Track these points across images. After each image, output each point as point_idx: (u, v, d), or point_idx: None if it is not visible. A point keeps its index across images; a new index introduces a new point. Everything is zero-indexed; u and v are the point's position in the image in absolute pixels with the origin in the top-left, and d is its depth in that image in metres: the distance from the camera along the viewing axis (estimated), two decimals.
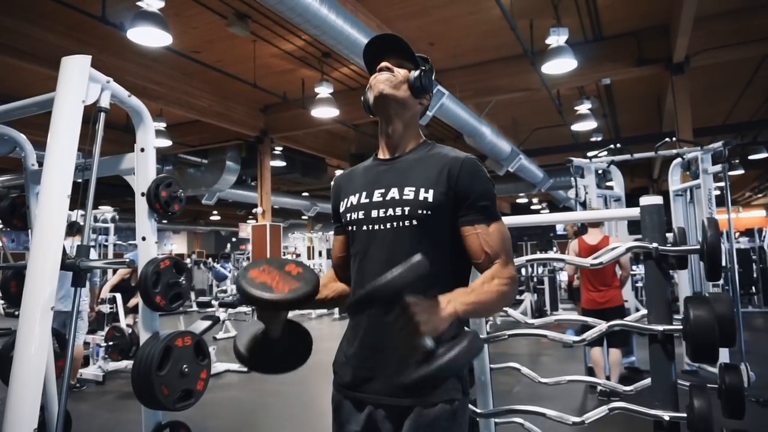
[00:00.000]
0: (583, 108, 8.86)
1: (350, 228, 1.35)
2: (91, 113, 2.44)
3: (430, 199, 1.24)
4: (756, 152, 11.47)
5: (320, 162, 14.02)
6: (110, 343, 5.51)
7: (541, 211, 23.30)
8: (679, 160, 5.06)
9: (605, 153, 5.57)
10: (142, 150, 2.79)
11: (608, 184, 5.92)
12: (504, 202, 21.81)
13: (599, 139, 11.49)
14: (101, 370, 5.55)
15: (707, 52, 6.82)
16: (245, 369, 5.89)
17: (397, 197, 1.27)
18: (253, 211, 11.24)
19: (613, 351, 4.41)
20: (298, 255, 13.42)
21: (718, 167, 4.62)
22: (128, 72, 7.03)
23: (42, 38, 5.96)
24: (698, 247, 1.53)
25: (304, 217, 23.75)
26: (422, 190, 1.25)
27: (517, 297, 11.91)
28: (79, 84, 2.27)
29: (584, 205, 5.19)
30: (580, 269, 4.64)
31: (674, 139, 5.91)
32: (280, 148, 11.90)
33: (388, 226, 1.27)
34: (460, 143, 9.86)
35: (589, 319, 1.84)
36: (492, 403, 2.00)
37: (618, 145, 5.62)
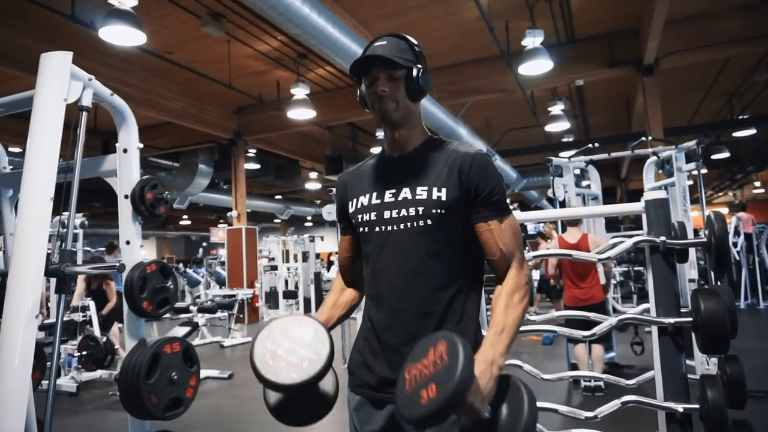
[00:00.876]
0: (557, 109, 9.02)
1: (362, 229, 1.33)
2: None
3: (444, 198, 1.24)
4: (718, 152, 11.87)
5: (294, 164, 13.89)
6: (84, 352, 5.32)
7: (513, 211, 23.62)
8: (653, 158, 5.18)
9: (581, 153, 5.67)
10: (125, 151, 2.72)
11: (585, 183, 6.03)
12: None
13: (571, 139, 11.71)
14: (74, 380, 5.34)
15: (675, 54, 7.02)
16: (225, 376, 5.78)
17: (410, 197, 1.26)
18: (227, 214, 11.04)
19: (595, 347, 4.47)
20: (272, 258, 13.25)
21: (692, 165, 4.74)
22: (97, 73, 6.66)
23: (5, 37, 5.73)
24: (705, 239, 1.56)
25: (277, 221, 23.52)
26: (435, 189, 1.25)
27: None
28: (60, 82, 2.18)
29: (563, 204, 5.26)
30: (562, 267, 4.70)
31: (649, 138, 6.05)
32: (254, 151, 11.73)
33: (402, 226, 1.25)
34: None
35: (591, 315, 1.85)
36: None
37: (596, 145, 5.72)
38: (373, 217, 1.29)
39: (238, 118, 10.05)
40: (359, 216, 1.33)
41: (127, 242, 2.69)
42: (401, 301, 1.25)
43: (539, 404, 1.66)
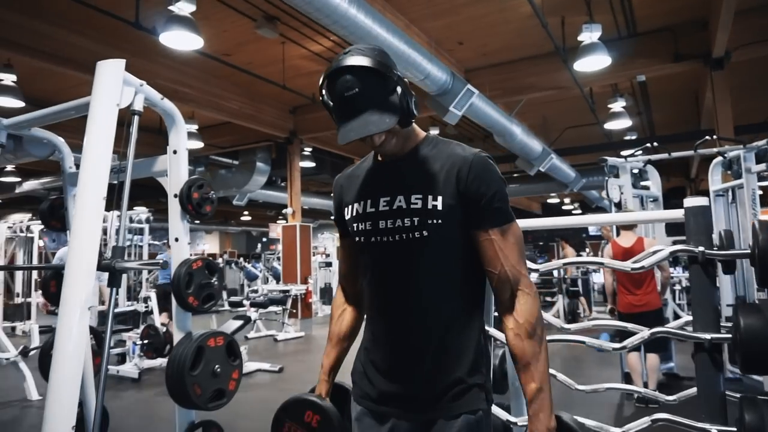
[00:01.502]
0: (617, 106, 8.65)
1: (357, 239, 1.27)
2: (125, 116, 2.47)
3: (440, 207, 1.15)
4: None
5: (350, 162, 14.06)
6: (145, 341, 5.63)
7: (573, 212, 22.90)
8: (720, 159, 4.87)
9: (641, 152, 5.41)
10: (175, 152, 2.82)
11: (644, 184, 5.75)
12: (535, 202, 21.51)
13: (633, 137, 11.20)
14: (137, 367, 5.67)
15: (748, 46, 6.57)
16: (276, 369, 5.95)
17: (405, 206, 1.18)
18: (283, 211, 11.33)
19: (650, 356, 4.27)
20: (328, 255, 13.46)
21: (763, 166, 4.43)
22: (160, 75, 7.17)
23: (76, 43, 6.13)
24: (749, 251, 1.45)
25: (333, 218, 23.81)
26: (430, 197, 1.17)
27: (549, 299, 11.70)
28: (113, 88, 2.30)
29: (619, 206, 5.05)
30: (616, 273, 4.52)
31: (714, 137, 5.70)
32: (310, 149, 11.97)
33: (398, 237, 1.19)
34: (489, 143, 9.75)
35: (629, 325, 1.77)
36: (527, 411, 1.94)
37: (655, 144, 5.45)
38: (368, 227, 1.23)
39: (294, 117, 10.29)
40: (354, 225, 1.27)
41: (176, 239, 2.81)
42: (400, 315, 1.21)
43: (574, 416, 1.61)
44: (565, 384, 1.90)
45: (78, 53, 6.23)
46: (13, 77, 6.55)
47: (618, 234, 4.64)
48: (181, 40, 4.89)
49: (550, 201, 21.84)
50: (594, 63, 5.99)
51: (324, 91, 1.17)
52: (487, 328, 1.76)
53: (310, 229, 10.76)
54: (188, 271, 2.64)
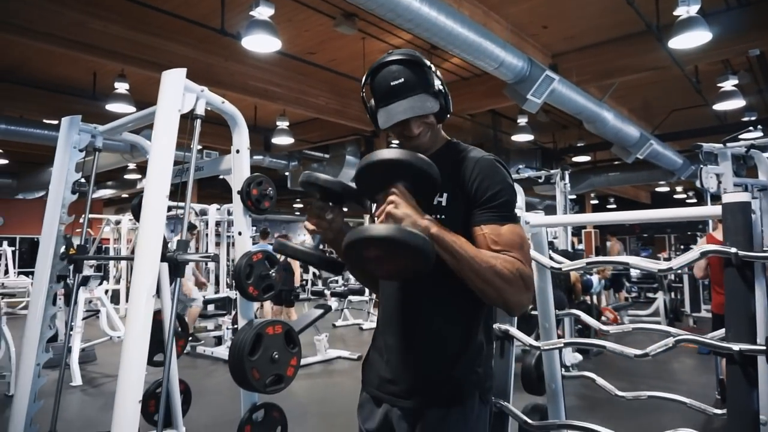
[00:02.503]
0: (728, 85, 7.80)
1: None
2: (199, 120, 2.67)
3: (444, 203, 1.22)
4: None
5: None
6: (235, 326, 6.08)
7: (686, 201, 21.11)
8: None
9: (755, 132, 4.86)
10: (238, 151, 3.02)
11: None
12: (642, 191, 20.05)
13: (753, 118, 10.04)
14: (227, 350, 6.14)
15: None
16: (354, 357, 6.14)
17: None
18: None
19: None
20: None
21: None
22: (251, 76, 7.61)
23: (176, 51, 6.69)
24: None
25: None
26: (437, 194, 1.24)
27: (651, 295, 10.91)
28: (175, 95, 2.51)
29: (714, 198, 4.60)
30: (709, 269, 4.15)
31: None
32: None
33: None
34: (584, 129, 9.26)
35: (670, 329, 1.62)
36: (564, 415, 1.87)
37: (758, 127, 4.87)
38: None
39: None
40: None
41: (239, 233, 3.01)
42: (400, 306, 1.27)
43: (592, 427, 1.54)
44: (605, 389, 1.80)
45: (178, 61, 6.79)
46: (126, 86, 7.30)
47: (715, 228, 4.25)
48: (261, 43, 5.16)
49: (659, 190, 20.22)
50: (692, 39, 5.46)
51: (366, 86, 1.28)
52: (508, 327, 1.72)
53: None
54: (249, 262, 2.81)
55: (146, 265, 2.36)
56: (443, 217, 1.22)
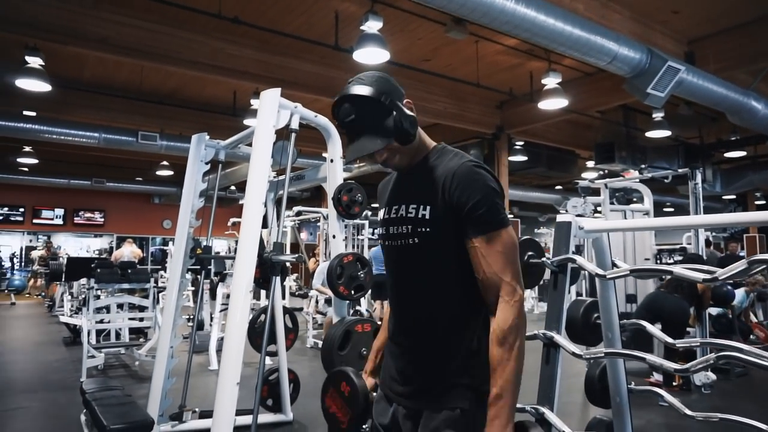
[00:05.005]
0: None
1: (380, 242, 1.42)
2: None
3: (428, 216, 1.25)
4: None
5: (569, 154, 13.36)
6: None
7: None
8: None
9: None
10: (332, 161, 3.27)
11: None
12: None
13: None
14: None
15: None
16: None
17: (404, 214, 1.30)
18: None
19: None
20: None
21: None
22: None
23: (301, 68, 7.27)
24: None
25: (565, 211, 22.77)
26: (421, 207, 1.27)
27: None
28: (271, 112, 2.81)
29: None
30: None
31: None
32: (521, 143, 11.78)
33: (400, 242, 1.31)
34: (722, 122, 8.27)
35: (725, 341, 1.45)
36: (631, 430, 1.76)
37: None
38: (383, 232, 1.38)
39: (501, 112, 10.27)
40: (379, 229, 1.42)
41: (333, 236, 3.25)
42: (402, 312, 1.34)
43: None
44: (674, 407, 1.66)
45: (303, 77, 7.38)
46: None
47: None
48: (370, 56, 5.43)
49: None
50: None
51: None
52: (553, 334, 1.67)
53: (518, 224, 10.61)
54: (340, 263, 3.02)
55: (245, 264, 2.67)
56: (428, 230, 1.25)
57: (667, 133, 9.05)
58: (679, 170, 5.74)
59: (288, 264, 4.46)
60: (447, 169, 1.25)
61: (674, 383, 4.82)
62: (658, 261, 6.26)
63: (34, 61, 6.25)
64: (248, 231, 2.70)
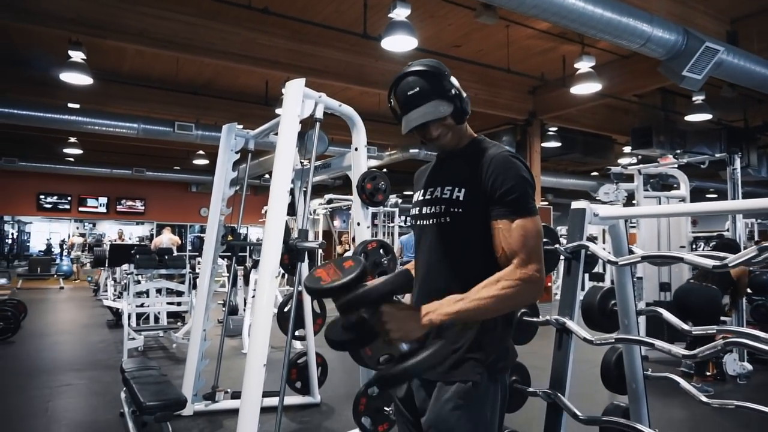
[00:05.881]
0: None
1: (411, 222, 1.50)
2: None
3: (462, 198, 1.32)
4: None
5: (604, 140, 13.04)
6: None
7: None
8: None
9: None
10: (356, 149, 3.32)
11: None
12: None
13: None
14: None
15: None
16: None
17: (438, 195, 1.39)
18: None
19: None
20: (590, 238, 12.82)
21: None
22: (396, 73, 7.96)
23: (331, 57, 7.31)
24: None
25: (599, 198, 22.28)
26: (456, 188, 1.34)
27: None
28: (295, 103, 2.87)
29: None
30: None
31: None
32: (555, 129, 11.56)
33: (432, 221, 1.39)
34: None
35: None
36: (648, 418, 1.76)
37: None
38: (416, 212, 1.46)
39: (533, 98, 10.10)
40: (411, 210, 1.50)
41: (358, 223, 3.31)
42: (425, 289, 1.39)
43: None
44: (691, 394, 1.66)
45: (334, 65, 7.43)
46: None
47: None
48: (398, 43, 5.43)
49: None
50: None
51: (392, 97, 1.41)
52: (565, 320, 1.68)
53: (550, 211, 10.47)
54: (364, 250, 3.08)
55: (271, 250, 2.76)
56: (460, 210, 1.32)
57: (708, 116, 8.74)
58: (717, 155, 5.55)
59: (320, 251, 4.57)
60: (485, 156, 1.33)
61: (708, 373, 4.72)
62: (694, 248, 6.09)
63: (77, 56, 6.51)
64: (273, 218, 2.78)
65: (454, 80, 1.38)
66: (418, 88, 1.32)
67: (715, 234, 7.32)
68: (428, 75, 1.33)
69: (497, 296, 1.20)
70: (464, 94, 1.37)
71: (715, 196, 18.10)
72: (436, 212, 1.37)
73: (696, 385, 4.30)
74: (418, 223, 1.44)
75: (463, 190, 1.33)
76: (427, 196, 1.43)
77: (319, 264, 1.44)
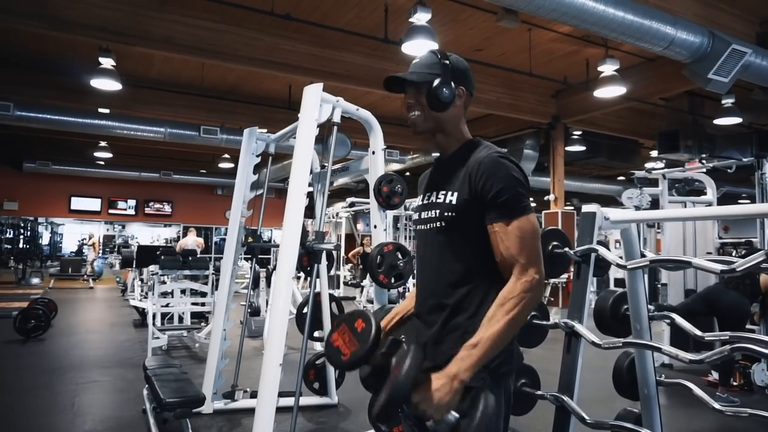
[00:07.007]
0: None
1: (413, 227, 1.54)
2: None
3: (454, 202, 1.33)
4: None
5: (630, 144, 12.82)
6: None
7: None
8: None
9: None
10: (373, 153, 3.35)
11: None
12: None
13: None
14: None
15: None
16: None
17: (434, 200, 1.40)
18: (545, 198, 11.11)
19: None
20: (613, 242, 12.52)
21: None
22: None
23: (353, 61, 7.38)
24: None
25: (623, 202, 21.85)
26: (449, 193, 1.35)
27: None
28: (313, 107, 2.92)
29: None
30: None
31: None
32: (579, 132, 11.41)
33: (429, 226, 1.40)
34: None
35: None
36: (660, 425, 1.74)
37: None
38: (416, 217, 1.48)
39: (556, 101, 10.00)
40: (414, 215, 1.53)
41: (375, 226, 3.34)
42: (425, 291, 1.41)
43: None
44: (703, 401, 1.63)
45: (356, 70, 7.50)
46: None
47: None
48: (418, 48, 5.45)
49: None
50: None
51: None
52: (574, 324, 1.67)
53: (573, 216, 10.32)
54: (380, 252, 3.11)
55: (287, 252, 2.80)
56: (453, 214, 1.33)
57: (738, 120, 8.54)
58: (744, 159, 5.41)
59: (343, 255, 4.59)
60: (475, 159, 1.33)
61: (734, 383, 4.60)
62: (722, 255, 5.94)
63: (107, 62, 6.72)
64: (291, 220, 2.82)
65: (453, 80, 1.36)
66: (422, 57, 1.42)
67: (743, 241, 7.13)
68: (431, 57, 1.40)
69: (508, 321, 1.20)
70: (451, 90, 1.36)
71: (747, 201, 17.62)
72: (432, 217, 1.39)
73: (721, 395, 4.20)
74: (418, 228, 1.47)
75: (455, 194, 1.33)
76: (425, 201, 1.45)
77: (333, 325, 1.44)
